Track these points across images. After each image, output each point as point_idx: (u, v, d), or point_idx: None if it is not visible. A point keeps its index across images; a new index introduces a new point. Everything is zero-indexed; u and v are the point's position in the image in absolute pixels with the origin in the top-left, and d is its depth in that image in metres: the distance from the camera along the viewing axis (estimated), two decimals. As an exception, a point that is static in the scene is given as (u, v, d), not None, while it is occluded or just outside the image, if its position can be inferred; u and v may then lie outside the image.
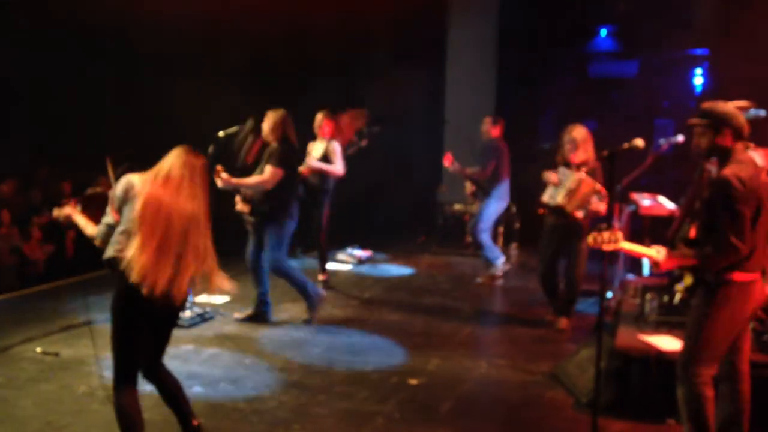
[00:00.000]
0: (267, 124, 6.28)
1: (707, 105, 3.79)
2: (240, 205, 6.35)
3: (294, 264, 6.59)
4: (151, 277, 3.53)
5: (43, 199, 9.81)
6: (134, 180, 3.73)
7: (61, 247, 8.88)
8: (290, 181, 6.26)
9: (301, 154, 7.66)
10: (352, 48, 13.15)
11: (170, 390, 3.92)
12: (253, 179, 6.21)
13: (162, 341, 3.90)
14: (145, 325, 3.71)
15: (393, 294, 7.86)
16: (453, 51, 11.72)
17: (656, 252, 3.75)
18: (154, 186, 3.68)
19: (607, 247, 3.82)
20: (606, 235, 3.80)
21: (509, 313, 7.26)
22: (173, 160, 3.77)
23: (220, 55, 12.00)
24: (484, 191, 8.29)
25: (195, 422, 3.92)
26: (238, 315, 6.63)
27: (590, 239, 3.85)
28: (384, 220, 11.61)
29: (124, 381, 3.67)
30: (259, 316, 6.55)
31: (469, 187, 8.69)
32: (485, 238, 8.32)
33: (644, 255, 3.82)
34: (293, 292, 7.31)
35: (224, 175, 6.12)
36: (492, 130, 8.26)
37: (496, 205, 8.30)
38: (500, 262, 8.38)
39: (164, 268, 3.57)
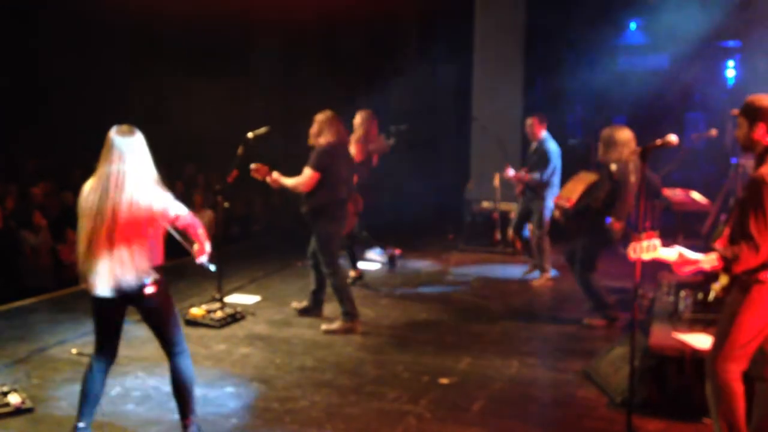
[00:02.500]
0: (313, 127, 6.24)
1: (751, 97, 3.72)
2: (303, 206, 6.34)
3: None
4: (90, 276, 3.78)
5: (76, 201, 9.96)
6: (83, 187, 3.88)
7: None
8: (329, 185, 6.14)
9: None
10: (379, 46, 13.18)
11: (174, 384, 4.06)
12: (291, 180, 6.19)
13: (154, 332, 4.04)
14: (105, 319, 3.98)
15: (422, 292, 7.84)
16: (480, 47, 11.65)
17: (676, 254, 3.68)
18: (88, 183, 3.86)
19: (646, 257, 3.75)
20: (644, 243, 3.72)
21: (540, 311, 7.21)
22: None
23: (249, 57, 12.10)
24: (536, 193, 8.11)
25: (186, 421, 4.03)
26: (296, 305, 6.80)
27: (629, 250, 3.77)
28: (412, 218, 11.61)
29: (93, 356, 4.07)
30: (310, 311, 6.69)
31: (518, 186, 8.59)
32: (545, 242, 8.19)
33: (666, 260, 3.75)
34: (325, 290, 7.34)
35: (275, 174, 6.18)
36: (539, 130, 8.03)
37: (549, 205, 8.16)
38: (551, 273, 8.27)
39: (91, 265, 3.75)
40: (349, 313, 6.29)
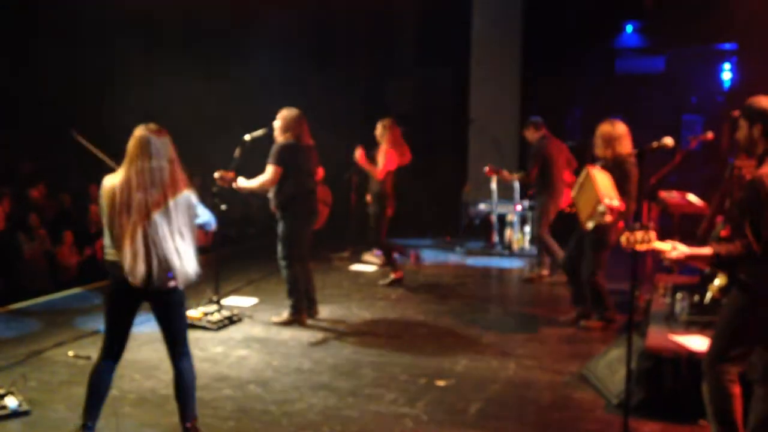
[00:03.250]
0: (278, 123, 6.37)
1: (751, 98, 3.73)
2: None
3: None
4: (127, 267, 3.74)
5: (73, 203, 9.96)
6: (105, 182, 3.84)
7: (93, 251, 9.00)
8: (293, 179, 6.28)
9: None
10: (377, 48, 13.18)
11: (178, 384, 4.03)
12: (255, 181, 6.33)
13: (165, 330, 4.02)
14: (122, 313, 3.97)
15: (419, 294, 7.84)
16: (477, 49, 11.67)
17: (669, 247, 3.70)
18: (115, 178, 3.81)
19: (640, 248, 3.76)
20: (639, 235, 3.74)
21: (537, 313, 7.21)
22: (129, 144, 3.84)
23: (246, 58, 12.09)
24: (537, 193, 8.26)
25: (188, 424, 4.00)
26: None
27: (623, 239, 3.79)
28: (409, 221, 11.61)
29: (102, 355, 4.01)
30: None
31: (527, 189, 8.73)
32: (545, 238, 8.24)
33: (658, 249, 3.76)
34: (322, 292, 7.37)
35: (241, 179, 6.31)
36: (535, 134, 8.17)
37: (550, 204, 8.21)
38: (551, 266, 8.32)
39: (131, 257, 3.73)
40: (295, 306, 6.49)
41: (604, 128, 6.19)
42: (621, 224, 6.12)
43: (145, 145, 3.80)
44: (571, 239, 6.54)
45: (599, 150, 6.23)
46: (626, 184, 6.01)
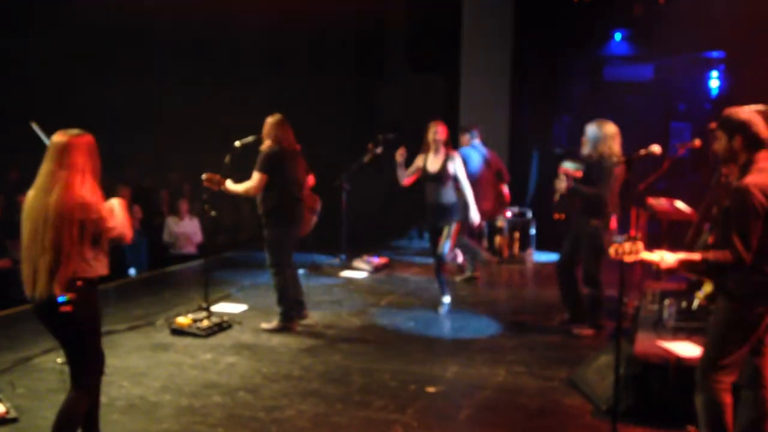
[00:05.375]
0: (264, 129, 6.39)
1: (728, 110, 3.78)
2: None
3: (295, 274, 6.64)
4: (26, 282, 3.63)
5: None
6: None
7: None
8: (279, 186, 6.29)
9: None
10: (368, 54, 13.22)
11: (56, 418, 3.83)
12: (241, 186, 6.35)
13: (66, 355, 3.83)
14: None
15: (409, 301, 7.85)
16: (467, 57, 11.72)
17: (659, 257, 3.73)
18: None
19: (628, 259, 3.79)
20: (627, 246, 3.77)
21: (526, 319, 7.23)
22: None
23: (237, 64, 12.11)
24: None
25: None
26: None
27: (611, 251, 3.82)
28: (399, 227, 11.62)
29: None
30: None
31: None
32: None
33: (649, 261, 3.79)
34: (312, 299, 7.36)
35: (228, 182, 6.33)
36: (460, 139, 8.29)
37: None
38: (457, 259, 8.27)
39: (26, 271, 3.61)
40: (285, 314, 6.51)
41: (591, 128, 6.25)
42: (613, 225, 6.19)
43: (47, 150, 3.68)
44: (566, 244, 6.56)
45: (584, 148, 6.28)
46: (603, 185, 6.08)
